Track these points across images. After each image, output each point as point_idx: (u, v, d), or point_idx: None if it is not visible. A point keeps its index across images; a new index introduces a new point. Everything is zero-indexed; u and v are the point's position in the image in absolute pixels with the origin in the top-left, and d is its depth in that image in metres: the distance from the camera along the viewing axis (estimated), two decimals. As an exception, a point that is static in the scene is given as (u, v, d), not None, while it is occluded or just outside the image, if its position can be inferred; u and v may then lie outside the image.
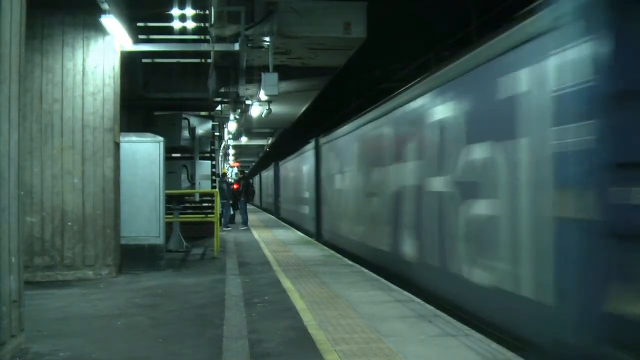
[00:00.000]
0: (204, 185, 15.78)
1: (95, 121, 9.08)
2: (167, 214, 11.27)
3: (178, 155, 15.63)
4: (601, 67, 4.62)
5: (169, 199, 11.92)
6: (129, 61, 11.51)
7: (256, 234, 17.98)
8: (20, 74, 4.98)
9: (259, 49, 12.25)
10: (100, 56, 9.13)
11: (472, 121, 6.91)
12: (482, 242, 6.63)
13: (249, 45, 11.74)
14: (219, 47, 11.18)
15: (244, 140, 29.00)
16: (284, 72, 13.69)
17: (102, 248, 9.04)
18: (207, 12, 10.81)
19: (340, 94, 21.96)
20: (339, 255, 12.31)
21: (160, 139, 10.36)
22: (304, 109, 21.60)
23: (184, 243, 13.14)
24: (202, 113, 15.99)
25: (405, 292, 7.86)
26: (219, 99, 15.30)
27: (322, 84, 17.17)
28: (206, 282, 8.88)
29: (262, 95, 13.67)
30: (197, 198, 15.24)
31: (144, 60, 13.49)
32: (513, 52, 5.95)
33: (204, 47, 11.52)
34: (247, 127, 24.47)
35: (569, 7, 5.02)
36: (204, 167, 16.17)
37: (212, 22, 10.60)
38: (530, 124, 5.63)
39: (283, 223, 24.39)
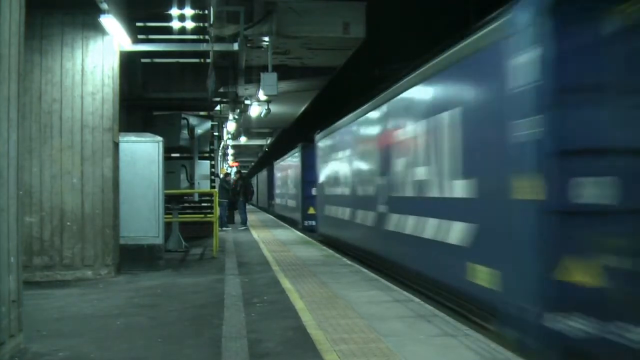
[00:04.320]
0: (203, 185, 15.78)
1: (95, 121, 9.07)
2: (166, 213, 11.27)
3: (177, 155, 15.63)
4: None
5: (168, 198, 11.92)
6: (128, 61, 11.53)
7: (255, 233, 17.97)
8: (19, 74, 4.98)
9: (258, 48, 12.29)
10: (100, 56, 9.12)
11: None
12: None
13: (248, 45, 11.77)
14: (218, 47, 11.19)
15: (243, 140, 29.03)
16: (283, 72, 13.72)
17: (101, 248, 9.04)
18: (206, 12, 10.82)
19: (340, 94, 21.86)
20: (338, 255, 12.31)
21: (160, 138, 10.37)
22: (303, 108, 21.61)
23: (183, 243, 13.14)
24: (201, 113, 16.00)
25: (405, 292, 7.86)
26: (218, 99, 15.31)
27: (322, 84, 17.18)
28: (205, 282, 8.88)
29: (261, 95, 13.71)
30: (196, 198, 15.24)
31: (143, 60, 13.51)
32: None
33: (203, 47, 11.53)
34: (246, 127, 24.51)
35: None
36: (203, 167, 16.17)
37: (211, 22, 10.62)
38: None
39: (283, 223, 23.89)
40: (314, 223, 19.65)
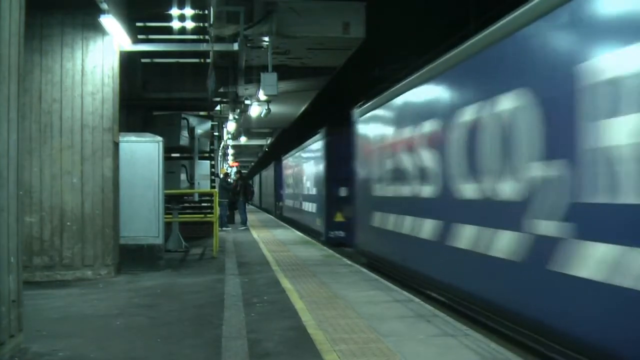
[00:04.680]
0: (203, 185, 15.79)
1: (95, 121, 9.08)
2: (166, 213, 11.27)
3: (177, 155, 15.64)
4: None
5: (168, 198, 11.93)
6: (128, 61, 11.53)
7: (255, 233, 17.97)
8: (19, 74, 4.98)
9: (258, 48, 12.29)
10: (100, 56, 9.13)
11: None
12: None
13: (248, 45, 11.77)
14: (218, 47, 11.18)
15: (243, 140, 29.03)
16: (283, 72, 13.72)
17: (101, 248, 9.04)
18: (206, 12, 10.82)
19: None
20: (338, 255, 12.30)
21: (160, 138, 10.37)
22: (303, 108, 21.60)
23: (183, 243, 13.14)
24: (201, 113, 16.00)
25: (405, 292, 7.86)
26: (218, 99, 15.33)
27: (321, 84, 17.19)
28: (205, 282, 8.88)
29: (261, 95, 13.69)
30: (196, 198, 15.25)
31: (143, 60, 13.52)
32: None
33: (203, 47, 11.53)
34: (246, 127, 24.52)
35: None
36: (203, 167, 16.18)
37: (211, 22, 10.62)
38: None
39: (283, 223, 23.75)
40: (343, 234, 15.58)
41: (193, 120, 14.82)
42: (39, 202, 8.83)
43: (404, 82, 10.15)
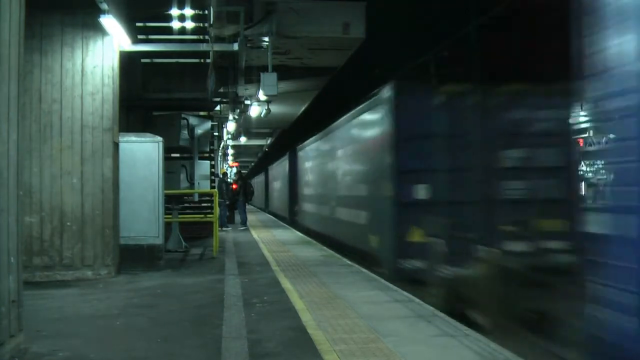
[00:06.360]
0: (203, 186, 15.79)
1: (95, 121, 9.08)
2: (166, 214, 11.28)
3: (177, 155, 15.64)
4: None
5: (168, 199, 11.93)
6: (128, 61, 11.52)
7: (255, 234, 17.98)
8: (19, 73, 4.98)
9: (258, 49, 12.27)
10: (100, 56, 9.13)
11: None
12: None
13: (248, 45, 11.76)
14: (218, 47, 11.18)
15: (243, 140, 29.01)
16: (283, 72, 13.70)
17: (101, 248, 9.03)
18: (206, 12, 10.82)
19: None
20: (338, 255, 12.31)
21: (159, 139, 10.37)
22: (303, 108, 21.59)
23: (183, 243, 13.14)
24: (201, 113, 15.99)
25: (405, 292, 7.86)
26: (218, 99, 15.31)
27: (322, 84, 17.19)
28: (205, 282, 8.88)
29: (261, 95, 13.69)
30: (196, 198, 15.25)
31: (143, 61, 13.51)
32: None
33: (203, 47, 11.53)
34: (246, 127, 24.48)
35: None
36: (203, 167, 16.18)
37: (211, 22, 10.62)
38: None
39: (283, 223, 23.94)
40: (418, 266, 8.80)
41: (193, 120, 14.82)
42: (39, 203, 8.82)
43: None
